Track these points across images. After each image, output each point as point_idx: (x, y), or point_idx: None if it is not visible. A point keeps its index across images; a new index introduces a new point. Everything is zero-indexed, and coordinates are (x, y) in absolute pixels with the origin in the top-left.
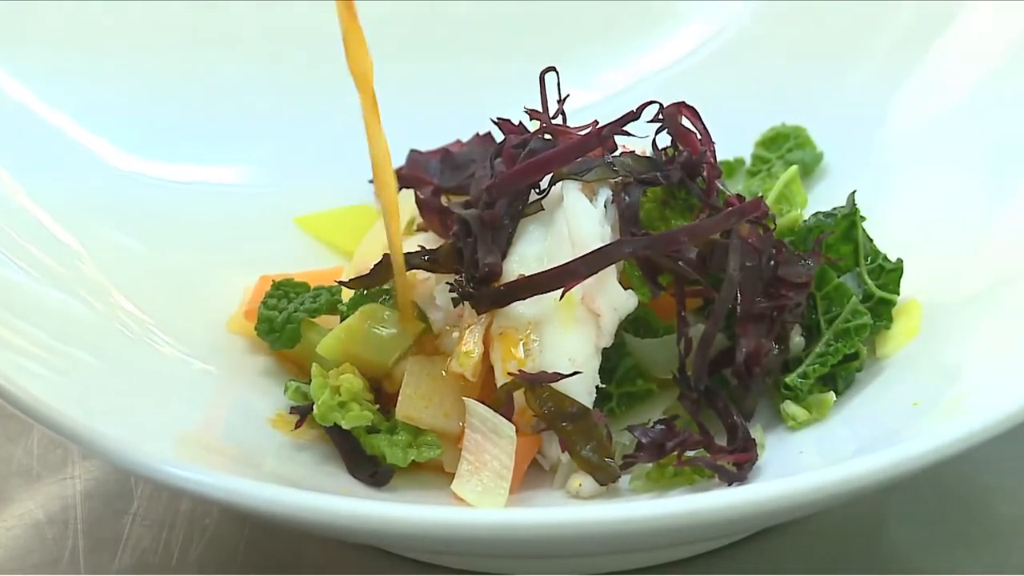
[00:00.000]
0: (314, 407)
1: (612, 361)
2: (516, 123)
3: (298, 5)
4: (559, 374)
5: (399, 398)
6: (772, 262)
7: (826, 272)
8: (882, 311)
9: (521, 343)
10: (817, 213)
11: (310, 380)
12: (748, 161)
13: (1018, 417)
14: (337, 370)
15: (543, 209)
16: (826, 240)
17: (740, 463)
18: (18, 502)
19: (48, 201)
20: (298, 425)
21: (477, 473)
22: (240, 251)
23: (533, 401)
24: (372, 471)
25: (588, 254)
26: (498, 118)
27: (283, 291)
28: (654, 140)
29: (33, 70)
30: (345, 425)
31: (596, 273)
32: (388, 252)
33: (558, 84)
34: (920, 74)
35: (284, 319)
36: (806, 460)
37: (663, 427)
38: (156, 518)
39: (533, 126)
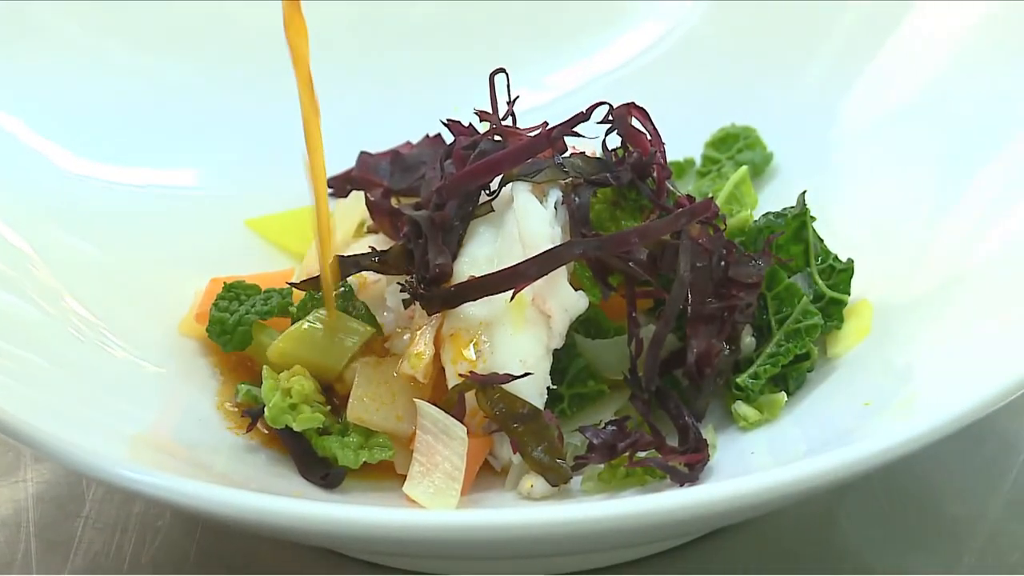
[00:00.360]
0: (265, 409)
1: (563, 362)
2: (466, 124)
3: (249, 8)
4: (510, 375)
5: (350, 400)
6: (722, 263)
7: (777, 272)
8: (833, 311)
9: (472, 344)
10: (767, 213)
11: (261, 382)
12: (698, 162)
13: (969, 417)
14: (288, 372)
15: (493, 210)
16: (776, 240)
17: (692, 464)
18: None
19: None
20: (250, 428)
21: (428, 475)
22: (191, 253)
23: (484, 402)
24: (324, 473)
25: (538, 255)
26: (448, 119)
27: (234, 293)
28: (604, 141)
29: None
30: (296, 427)
31: (547, 274)
32: (338, 254)
33: (508, 85)
34: (870, 74)
35: (235, 321)
36: (757, 460)
37: (614, 428)
38: (108, 521)
39: (483, 127)
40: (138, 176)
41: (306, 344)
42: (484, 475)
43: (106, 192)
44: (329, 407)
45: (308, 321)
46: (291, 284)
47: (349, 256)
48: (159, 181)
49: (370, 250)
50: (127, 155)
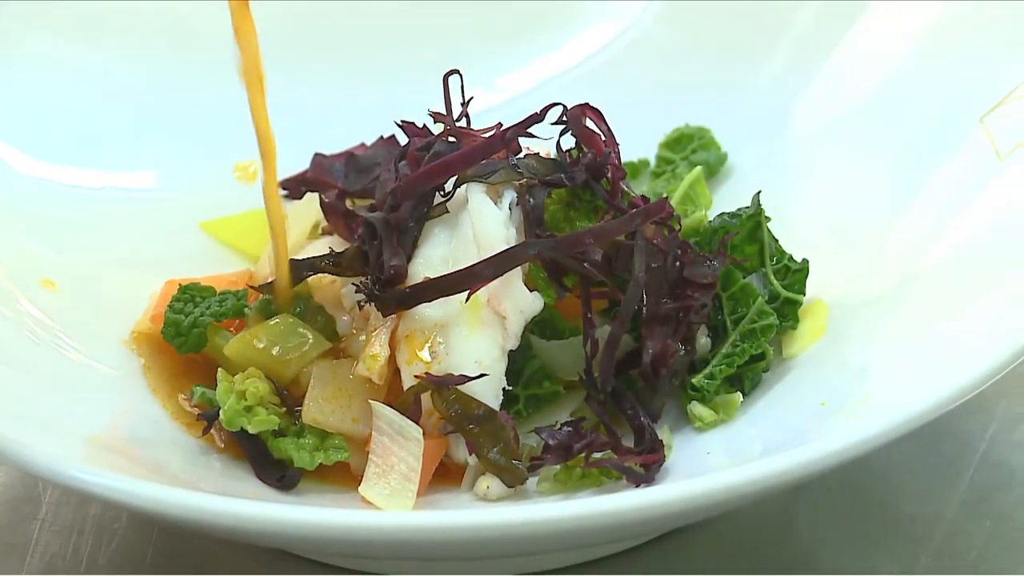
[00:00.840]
0: (220, 412)
1: (518, 363)
2: (420, 126)
3: (206, 8)
4: (465, 376)
5: (305, 402)
6: (677, 263)
7: (732, 273)
8: (788, 311)
9: (427, 345)
10: (722, 214)
11: (216, 385)
12: (652, 162)
13: (925, 417)
14: (243, 374)
15: (448, 211)
16: (731, 241)
17: (647, 464)
18: None
19: None
20: (206, 431)
21: (384, 476)
22: (147, 256)
23: (440, 404)
24: (280, 475)
25: (493, 256)
26: (402, 121)
27: (189, 295)
28: (558, 142)
29: None
30: (251, 430)
31: (501, 275)
32: (292, 258)
33: (462, 86)
34: (824, 74)
35: (190, 323)
36: (713, 461)
37: (570, 429)
38: (65, 523)
39: (437, 129)
40: (94, 179)
41: (262, 349)
42: (441, 476)
43: (62, 195)
44: (284, 408)
45: (268, 325)
46: (252, 287)
47: (303, 259)
48: (115, 184)
49: (326, 251)
50: (82, 158)
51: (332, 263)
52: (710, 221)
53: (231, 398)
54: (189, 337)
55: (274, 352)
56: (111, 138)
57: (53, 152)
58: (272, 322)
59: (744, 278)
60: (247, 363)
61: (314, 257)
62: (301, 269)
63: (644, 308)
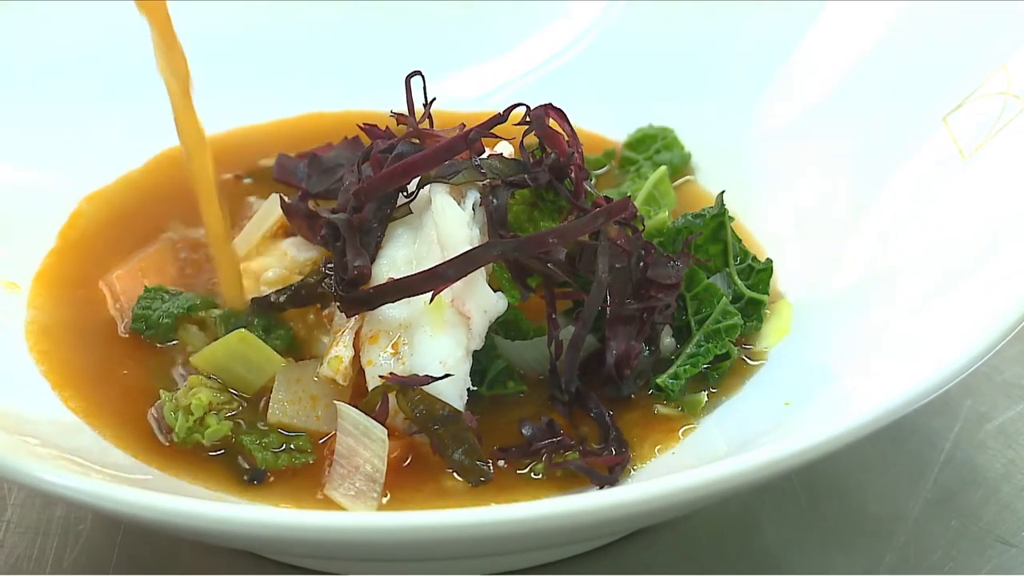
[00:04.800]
0: (174, 434)
1: (483, 364)
2: (383, 127)
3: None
4: (430, 377)
5: (270, 404)
6: (641, 263)
7: (695, 273)
8: (752, 311)
9: (392, 346)
10: (686, 214)
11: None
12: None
13: (889, 416)
14: (185, 388)
15: (411, 212)
16: (695, 241)
17: (612, 465)
18: None
19: None
20: (171, 442)
21: (349, 477)
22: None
23: (405, 404)
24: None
25: (457, 257)
26: (365, 123)
27: (156, 293)
28: (521, 142)
29: None
30: (206, 443)
31: (465, 276)
32: (253, 297)
33: (424, 88)
34: (786, 74)
35: (159, 315)
36: (678, 461)
37: (535, 429)
38: (30, 524)
39: (401, 130)
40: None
41: (232, 360)
42: (408, 476)
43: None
44: (244, 405)
45: (235, 339)
46: (254, 299)
47: (263, 298)
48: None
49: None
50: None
51: (293, 299)
52: (674, 221)
53: (180, 418)
54: (159, 329)
55: (238, 371)
56: (53, 140)
57: None
58: (234, 339)
59: (708, 278)
60: (213, 372)
61: (273, 299)
62: (263, 308)
63: (608, 308)
